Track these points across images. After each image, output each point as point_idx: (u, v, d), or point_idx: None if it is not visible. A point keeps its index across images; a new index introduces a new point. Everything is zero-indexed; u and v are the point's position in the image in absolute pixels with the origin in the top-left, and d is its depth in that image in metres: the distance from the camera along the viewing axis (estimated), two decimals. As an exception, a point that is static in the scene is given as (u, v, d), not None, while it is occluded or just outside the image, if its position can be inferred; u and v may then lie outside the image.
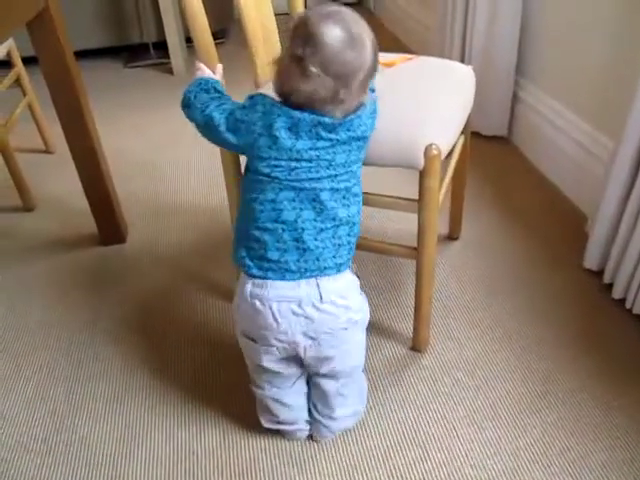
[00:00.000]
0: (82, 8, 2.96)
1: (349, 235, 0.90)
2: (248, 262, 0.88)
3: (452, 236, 1.54)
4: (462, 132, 1.34)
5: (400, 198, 1.07)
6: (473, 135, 1.97)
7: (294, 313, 0.87)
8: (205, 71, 1.02)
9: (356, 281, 0.94)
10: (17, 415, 1.14)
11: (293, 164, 0.85)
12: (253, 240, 0.88)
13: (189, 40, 2.85)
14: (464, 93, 1.18)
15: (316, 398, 1.02)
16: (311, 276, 0.87)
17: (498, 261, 1.44)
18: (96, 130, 1.50)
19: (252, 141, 0.87)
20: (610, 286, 1.30)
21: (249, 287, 0.88)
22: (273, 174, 0.86)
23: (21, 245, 1.65)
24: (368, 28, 0.85)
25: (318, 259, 0.87)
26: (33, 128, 2.12)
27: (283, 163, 0.85)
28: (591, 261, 1.36)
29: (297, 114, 0.83)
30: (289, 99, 0.84)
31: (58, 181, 1.95)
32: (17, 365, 1.25)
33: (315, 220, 0.87)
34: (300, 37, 0.81)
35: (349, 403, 1.03)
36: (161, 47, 3.05)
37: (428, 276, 1.11)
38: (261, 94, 0.89)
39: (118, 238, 1.60)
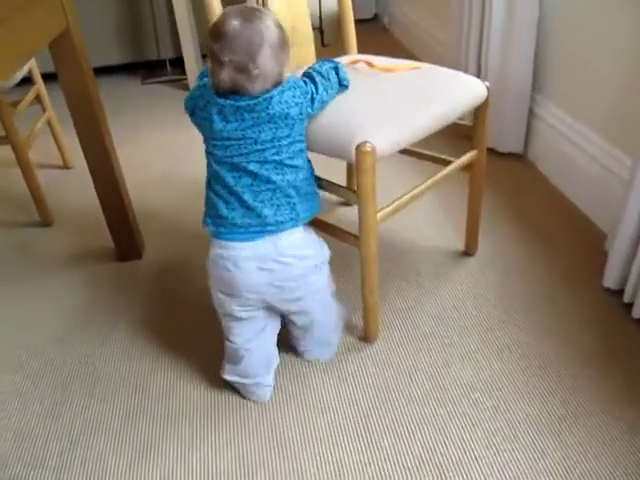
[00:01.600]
0: (101, 25, 3.01)
1: (287, 196, 1.04)
2: (209, 222, 1.07)
3: (468, 252, 1.53)
4: (475, 147, 1.34)
5: (346, 188, 1.14)
6: (489, 152, 1.97)
7: (259, 268, 1.03)
8: None
9: (309, 231, 1.10)
10: (33, 431, 1.14)
11: (226, 143, 1.02)
12: (211, 203, 1.07)
13: (205, 56, 2.88)
14: (453, 104, 1.20)
15: (291, 330, 1.20)
16: (255, 232, 1.03)
17: (515, 279, 1.43)
18: (114, 147, 1.51)
19: (202, 123, 1.04)
20: (630, 305, 1.28)
21: (216, 250, 1.06)
22: (213, 151, 1.04)
23: (38, 260, 1.66)
24: (270, 15, 1.00)
25: (259, 216, 1.02)
26: (51, 143, 2.15)
27: (218, 143, 1.02)
28: (610, 280, 1.34)
29: (221, 101, 0.99)
30: (220, 89, 0.99)
31: (75, 196, 1.97)
32: (33, 382, 1.26)
33: (252, 185, 1.03)
34: (211, 37, 0.98)
35: (321, 334, 1.20)
36: (177, 64, 3.09)
37: (369, 266, 1.16)
38: (202, 80, 1.08)
39: (134, 254, 1.61)
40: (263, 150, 1.01)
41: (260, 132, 1.00)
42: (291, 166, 1.04)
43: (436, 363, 1.21)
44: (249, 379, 1.15)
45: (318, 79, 1.09)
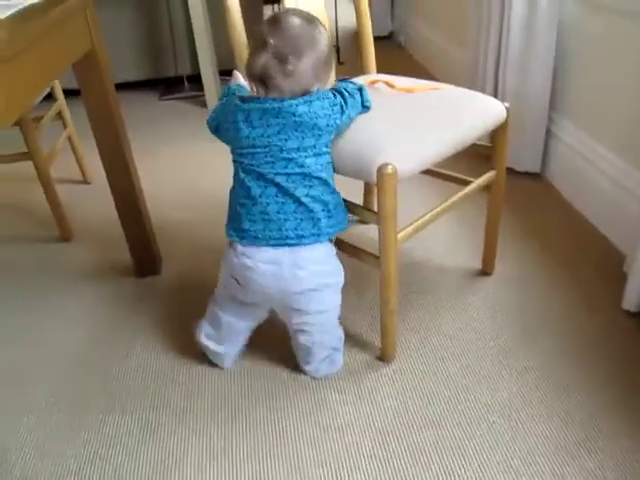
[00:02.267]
0: (120, 42, 3.07)
1: (311, 211, 1.04)
2: (232, 233, 1.09)
3: (486, 271, 1.53)
4: (494, 168, 1.34)
5: (366, 209, 1.18)
6: (506, 171, 1.97)
7: (274, 274, 1.06)
8: (238, 78, 1.19)
9: (332, 249, 1.11)
10: (52, 447, 1.15)
11: (252, 151, 1.03)
12: (234, 214, 1.09)
13: (222, 73, 2.92)
14: (474, 126, 1.20)
15: (295, 349, 1.22)
16: (276, 244, 1.04)
17: (533, 300, 1.42)
18: (134, 164, 1.53)
19: (226, 134, 1.07)
20: (650, 328, 1.27)
21: (240, 248, 1.07)
22: (240, 160, 1.06)
23: (56, 275, 1.68)
24: (327, 32, 1.04)
25: (280, 229, 1.04)
26: (71, 158, 2.19)
27: (244, 151, 1.04)
28: (630, 302, 1.33)
29: (246, 106, 1.02)
30: (251, 76, 1.02)
31: (95, 211, 1.99)
32: (52, 396, 1.27)
33: (277, 196, 1.04)
34: (266, 22, 1.01)
35: (324, 353, 1.20)
36: (195, 80, 3.13)
37: (389, 287, 1.16)
38: (227, 91, 1.11)
39: (153, 269, 1.62)
40: (290, 159, 1.02)
41: (286, 140, 1.01)
42: (318, 178, 1.05)
43: (453, 385, 1.21)
44: (217, 345, 1.24)
45: (346, 94, 1.10)
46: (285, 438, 1.12)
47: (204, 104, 2.95)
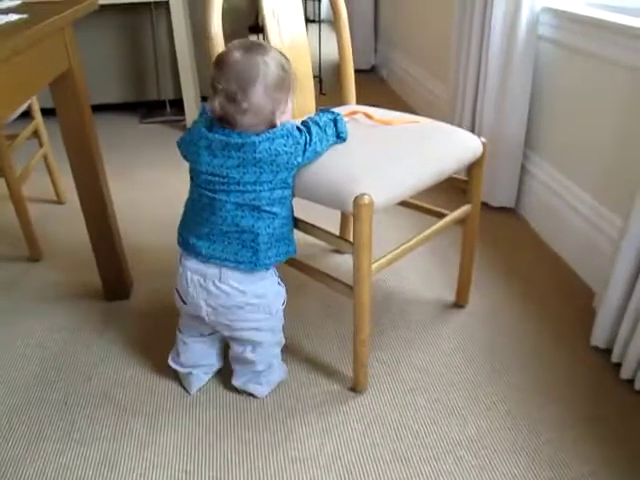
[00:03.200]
0: (104, 64, 3.07)
1: (253, 242, 1.07)
2: (180, 240, 1.15)
3: (459, 303, 1.53)
4: (470, 202, 1.35)
5: (340, 238, 1.15)
6: (481, 205, 2.00)
7: (200, 284, 1.11)
8: None
9: (270, 275, 1.14)
10: (5, 474, 1.10)
11: (209, 178, 1.06)
12: (184, 224, 1.15)
13: (205, 99, 2.93)
14: (451, 160, 1.22)
15: (232, 362, 1.25)
16: (215, 262, 1.08)
17: (504, 334, 1.42)
18: (108, 187, 1.52)
19: (190, 157, 1.10)
20: (618, 365, 1.27)
21: (181, 257, 1.15)
22: (198, 182, 1.09)
23: (24, 296, 1.64)
24: (276, 54, 1.04)
25: (223, 251, 1.08)
26: (46, 177, 2.16)
27: (203, 176, 1.07)
28: (598, 339, 1.34)
29: (211, 136, 1.04)
30: (214, 118, 1.05)
31: (67, 232, 1.96)
32: (9, 421, 1.22)
33: (223, 224, 1.07)
34: (214, 68, 1.03)
35: (255, 370, 1.21)
36: (177, 105, 3.13)
37: (361, 317, 1.16)
38: (202, 110, 1.10)
39: (122, 294, 1.59)
40: (243, 192, 1.05)
41: (244, 174, 1.03)
42: (268, 212, 1.07)
43: (422, 419, 1.19)
44: (184, 368, 1.26)
45: (314, 130, 1.10)
46: (253, 470, 1.09)
47: (185, 128, 2.95)
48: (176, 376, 1.31)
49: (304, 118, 1.17)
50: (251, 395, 1.26)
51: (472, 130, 2.02)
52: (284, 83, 1.04)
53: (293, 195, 1.14)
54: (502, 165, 1.91)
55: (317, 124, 1.12)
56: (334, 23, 1.51)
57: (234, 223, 1.06)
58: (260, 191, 1.05)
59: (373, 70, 4.00)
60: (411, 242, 1.24)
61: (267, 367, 1.23)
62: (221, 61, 1.02)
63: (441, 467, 1.08)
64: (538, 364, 1.32)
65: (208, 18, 1.26)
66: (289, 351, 1.36)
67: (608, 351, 1.32)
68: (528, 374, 1.30)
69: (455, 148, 1.26)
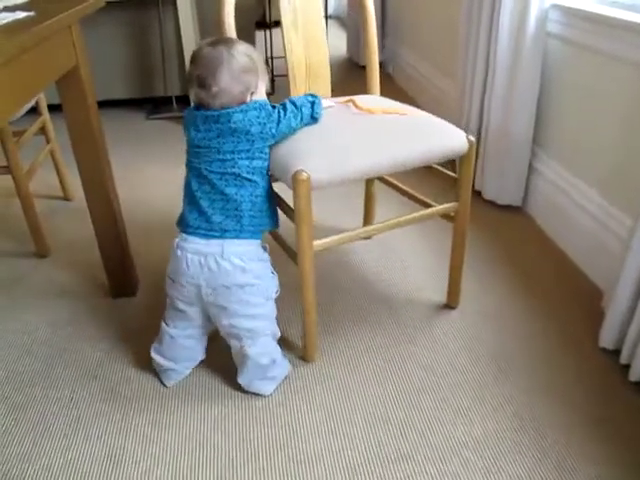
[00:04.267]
0: (111, 60, 3.07)
1: (236, 210, 1.15)
2: (179, 221, 1.22)
3: (450, 305, 1.52)
4: (457, 199, 1.34)
5: (291, 209, 1.21)
6: (488, 204, 1.99)
7: (200, 264, 1.15)
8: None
9: (260, 253, 1.20)
10: (10, 470, 1.11)
11: (196, 150, 1.17)
12: (183, 205, 1.22)
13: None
14: (417, 150, 1.24)
15: (235, 360, 1.26)
16: (204, 235, 1.16)
17: (510, 334, 1.41)
18: (114, 184, 1.52)
19: (185, 130, 1.20)
20: (627, 367, 1.26)
21: (177, 239, 1.20)
22: (188, 158, 1.20)
23: (30, 292, 1.65)
24: (241, 45, 1.16)
25: (208, 221, 1.16)
26: (53, 174, 2.16)
27: (191, 150, 1.19)
28: (607, 340, 1.33)
29: (194, 112, 1.16)
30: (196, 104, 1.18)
31: (74, 229, 1.97)
32: (15, 418, 1.23)
33: (209, 192, 1.16)
34: (190, 63, 1.16)
35: (260, 364, 1.22)
36: (183, 101, 3.13)
37: (304, 286, 1.24)
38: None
39: (128, 291, 1.59)
40: (224, 160, 1.14)
41: (223, 143, 1.14)
42: (249, 180, 1.16)
43: (428, 418, 1.19)
44: (167, 362, 1.28)
45: (289, 107, 1.21)
46: (258, 471, 1.09)
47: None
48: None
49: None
50: (256, 394, 1.26)
51: (479, 128, 2.00)
52: (249, 67, 1.15)
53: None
54: (509, 163, 1.90)
55: (294, 103, 1.23)
56: (361, 17, 1.54)
57: (219, 191, 1.15)
58: (238, 159, 1.14)
59: (380, 66, 3.98)
60: (360, 230, 1.31)
61: (271, 362, 1.24)
62: (193, 55, 1.15)
63: (447, 468, 1.08)
64: (545, 365, 1.32)
65: (222, 12, 1.35)
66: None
67: (617, 352, 1.31)
68: (535, 375, 1.29)
69: (427, 140, 1.27)
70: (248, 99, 1.16)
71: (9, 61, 0.94)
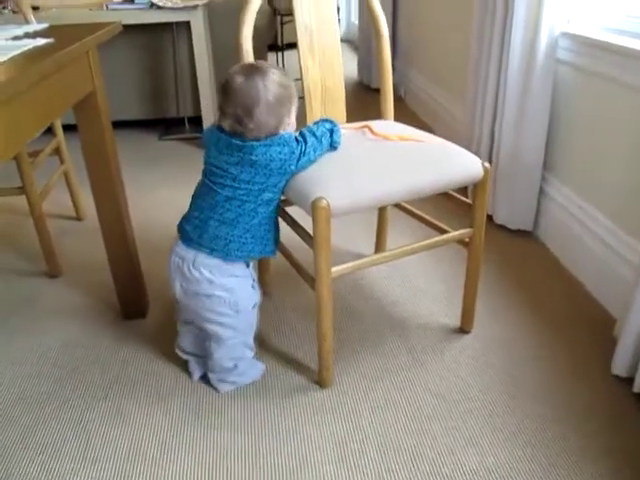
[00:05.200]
0: (126, 82, 3.11)
1: (228, 234, 1.18)
2: (178, 225, 1.26)
3: (464, 329, 1.51)
4: (472, 225, 1.35)
5: (307, 234, 1.23)
6: (499, 228, 1.99)
7: (178, 266, 1.22)
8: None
9: (234, 268, 1.22)
10: (19, 495, 1.11)
11: (213, 169, 1.18)
12: (189, 207, 1.25)
13: (223, 117, 2.95)
14: (432, 178, 1.24)
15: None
16: (193, 245, 1.20)
17: (522, 361, 1.40)
18: (127, 206, 1.53)
19: (205, 147, 1.22)
20: (640, 396, 1.25)
21: (173, 244, 1.26)
22: (204, 170, 1.22)
23: (41, 312, 1.65)
24: (273, 73, 1.14)
25: (200, 236, 1.19)
26: (66, 193, 2.18)
27: (208, 167, 1.20)
28: (620, 368, 1.31)
29: (219, 134, 1.17)
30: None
31: (86, 249, 1.98)
32: (23, 440, 1.23)
33: (210, 210, 1.18)
34: (219, 91, 1.16)
35: (223, 366, 1.29)
36: (195, 122, 3.16)
37: (321, 312, 1.23)
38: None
39: (138, 313, 1.60)
40: (237, 188, 1.16)
41: (241, 172, 1.15)
42: (252, 210, 1.18)
43: (439, 447, 1.17)
44: (184, 355, 1.37)
45: (310, 141, 1.20)
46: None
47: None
48: (191, 394, 1.32)
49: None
50: (214, 388, 1.33)
51: (490, 152, 2.01)
52: (284, 99, 1.15)
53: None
54: (520, 188, 1.90)
55: (314, 134, 1.22)
56: (375, 42, 1.56)
57: (218, 212, 1.17)
58: (251, 190, 1.16)
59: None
60: (376, 257, 1.31)
61: (234, 366, 1.30)
62: (226, 87, 1.14)
63: (458, 498, 1.07)
64: (557, 393, 1.30)
65: (240, 36, 1.38)
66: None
67: (630, 380, 1.30)
68: (547, 403, 1.27)
69: (443, 167, 1.27)
70: (282, 130, 1.17)
71: (29, 88, 0.96)
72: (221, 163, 1.16)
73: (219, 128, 1.18)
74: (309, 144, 1.20)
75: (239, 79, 1.12)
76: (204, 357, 1.35)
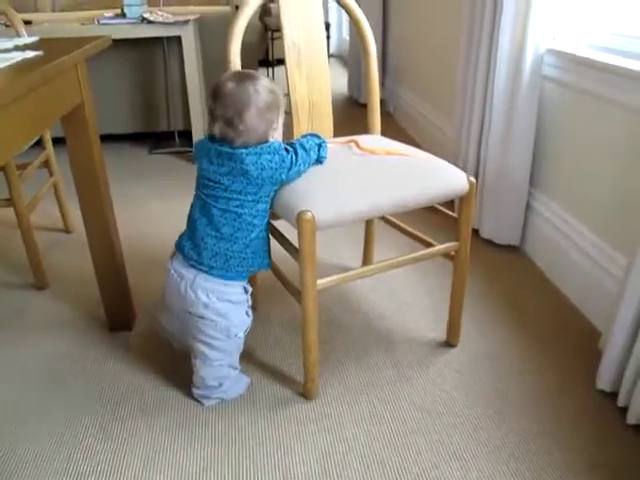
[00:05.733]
0: (116, 96, 3.13)
1: (227, 250, 1.18)
2: (176, 241, 1.27)
3: (450, 342, 1.52)
4: (457, 239, 1.35)
5: (294, 248, 1.24)
6: (485, 243, 2.00)
7: (176, 282, 1.22)
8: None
9: (232, 293, 1.22)
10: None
11: (205, 182, 1.18)
12: (186, 225, 1.25)
13: (214, 131, 2.97)
14: (416, 191, 1.26)
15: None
16: (193, 265, 1.20)
17: (507, 375, 1.41)
18: (114, 220, 1.53)
19: (196, 159, 1.21)
20: (624, 410, 1.25)
21: (173, 255, 1.26)
22: (197, 185, 1.21)
23: (27, 325, 1.64)
24: (263, 80, 1.16)
25: (200, 254, 1.19)
26: (54, 206, 2.18)
27: (200, 180, 1.20)
28: (604, 382, 1.32)
29: (209, 145, 1.17)
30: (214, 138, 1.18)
31: (73, 261, 1.97)
32: (5, 454, 1.21)
33: (206, 226, 1.18)
34: (210, 95, 1.16)
35: (207, 384, 1.29)
36: (186, 136, 3.18)
37: (307, 325, 1.24)
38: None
39: (125, 325, 1.59)
40: (229, 199, 1.16)
41: (233, 182, 1.15)
42: (249, 223, 1.18)
43: (423, 462, 1.17)
44: (164, 332, 1.39)
45: (300, 152, 1.21)
46: None
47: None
48: (175, 407, 1.31)
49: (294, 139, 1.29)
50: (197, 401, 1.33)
51: (477, 167, 2.03)
52: (273, 105, 1.16)
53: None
54: (507, 203, 1.92)
55: (303, 147, 1.23)
56: (364, 60, 1.59)
57: (215, 228, 1.17)
58: (244, 200, 1.16)
59: (380, 104, 4.04)
60: (363, 269, 1.34)
61: (218, 385, 1.30)
62: (217, 91, 1.14)
63: (442, 512, 1.06)
64: (542, 407, 1.31)
65: (229, 52, 1.39)
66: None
67: (614, 394, 1.30)
68: (532, 417, 1.28)
69: (429, 181, 1.29)
70: (270, 136, 1.18)
71: (16, 99, 0.96)
72: (212, 174, 1.16)
73: (209, 139, 1.18)
74: (299, 155, 1.20)
75: (230, 84, 1.14)
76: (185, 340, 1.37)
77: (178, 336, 1.38)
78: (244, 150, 1.13)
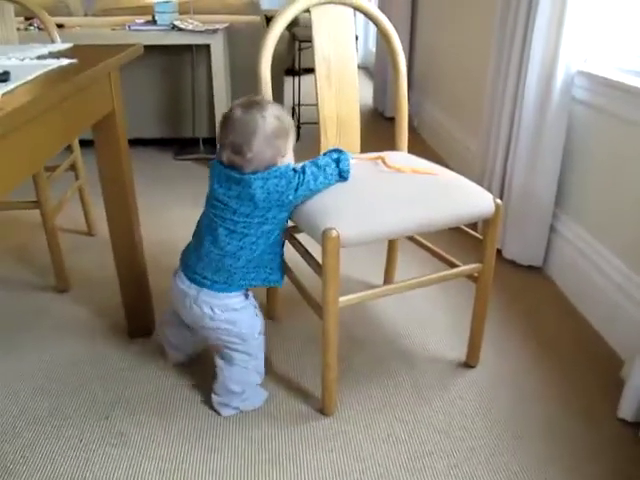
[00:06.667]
0: (144, 101, 3.16)
1: (231, 266, 1.20)
2: (181, 256, 1.31)
3: (470, 364, 1.50)
4: (482, 261, 1.34)
5: (316, 262, 1.25)
6: (508, 263, 1.98)
7: (182, 300, 1.25)
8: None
9: (235, 303, 1.24)
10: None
11: (214, 202, 1.20)
12: (192, 238, 1.29)
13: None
14: (444, 212, 1.25)
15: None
16: (196, 280, 1.23)
17: (526, 399, 1.39)
18: (139, 224, 1.54)
19: (209, 178, 1.23)
20: (647, 441, 1.23)
21: (176, 272, 1.29)
22: (206, 202, 1.24)
23: (48, 327, 1.66)
24: (272, 107, 1.17)
25: (203, 269, 1.22)
26: (79, 208, 2.21)
27: (211, 200, 1.21)
28: (625, 411, 1.30)
29: (220, 168, 1.19)
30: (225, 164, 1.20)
31: (95, 265, 1.99)
32: (23, 456, 1.22)
33: (211, 243, 1.20)
34: (220, 127, 1.19)
35: (230, 390, 1.30)
36: (210, 143, 3.20)
37: (327, 342, 1.24)
38: None
39: (145, 332, 1.60)
40: (237, 222, 1.17)
41: (241, 205, 1.17)
42: (253, 242, 1.19)
43: (440, 484, 1.16)
44: (172, 340, 1.43)
45: (309, 171, 1.21)
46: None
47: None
48: (193, 416, 1.31)
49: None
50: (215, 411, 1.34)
51: (502, 187, 2.01)
52: (281, 131, 1.17)
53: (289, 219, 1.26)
54: (531, 224, 1.90)
55: (315, 164, 1.23)
56: (393, 75, 1.58)
57: (220, 247, 1.19)
58: (250, 223, 1.18)
59: (404, 117, 4.04)
60: (386, 287, 1.33)
61: (241, 391, 1.30)
62: (225, 120, 1.17)
63: (457, 538, 1.05)
64: (561, 434, 1.28)
65: (261, 62, 1.39)
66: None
67: (636, 425, 1.28)
68: (551, 444, 1.26)
69: (456, 202, 1.28)
70: (279, 162, 1.18)
71: (50, 108, 0.98)
72: (222, 196, 1.18)
73: (220, 162, 1.20)
74: (308, 173, 1.20)
75: (238, 112, 1.15)
76: (185, 350, 1.45)
77: (183, 347, 1.44)
78: (252, 175, 1.14)
